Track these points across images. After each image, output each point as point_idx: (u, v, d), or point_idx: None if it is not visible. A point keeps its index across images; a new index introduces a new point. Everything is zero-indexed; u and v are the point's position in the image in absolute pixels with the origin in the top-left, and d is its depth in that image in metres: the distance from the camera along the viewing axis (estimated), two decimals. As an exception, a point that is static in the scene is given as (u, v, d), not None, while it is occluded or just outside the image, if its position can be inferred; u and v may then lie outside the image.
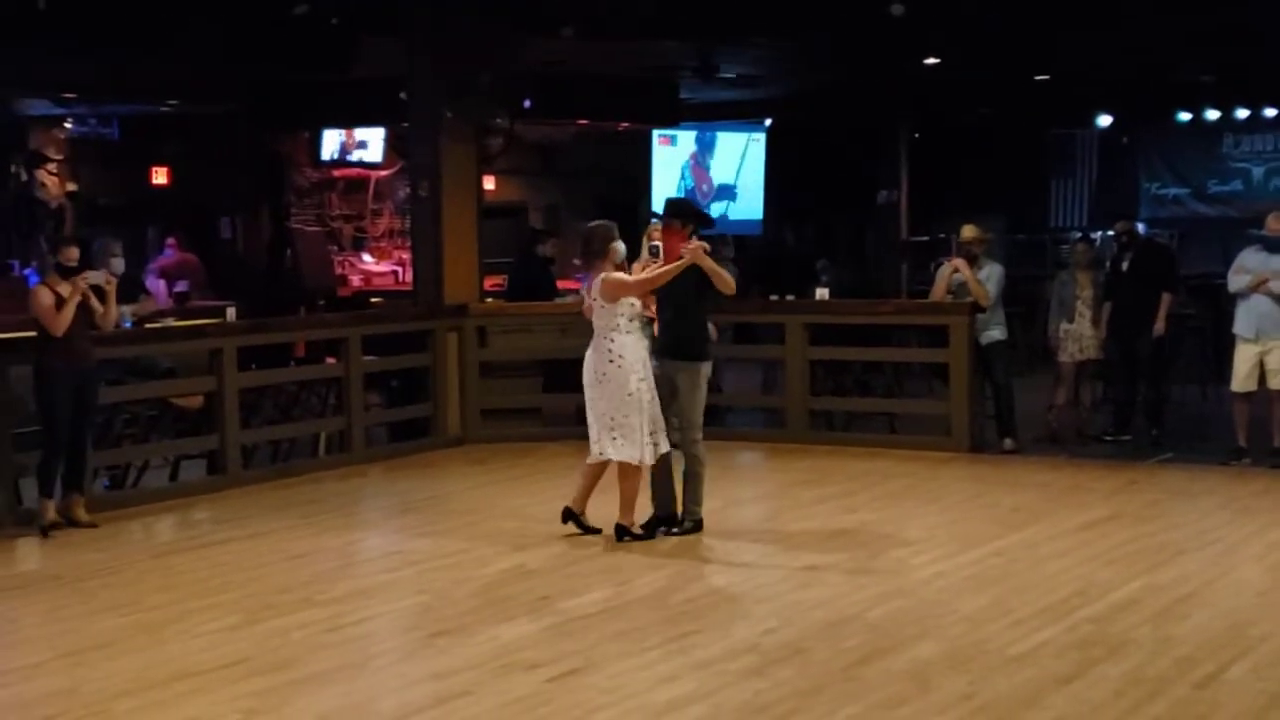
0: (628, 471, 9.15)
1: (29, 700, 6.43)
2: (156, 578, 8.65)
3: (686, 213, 9.74)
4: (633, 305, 9.21)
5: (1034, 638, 7.10)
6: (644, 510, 9.36)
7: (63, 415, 9.81)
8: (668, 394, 9.33)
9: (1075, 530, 9.51)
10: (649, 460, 9.15)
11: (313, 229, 19.62)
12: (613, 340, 9.13)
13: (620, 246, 9.37)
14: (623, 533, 9.22)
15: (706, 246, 9.27)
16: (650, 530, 9.34)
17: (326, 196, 20.20)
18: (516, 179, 20.87)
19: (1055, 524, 9.68)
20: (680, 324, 9.41)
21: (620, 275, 9.26)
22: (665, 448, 9.25)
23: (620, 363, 9.08)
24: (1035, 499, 10.53)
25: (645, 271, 9.33)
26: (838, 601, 7.82)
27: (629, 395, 9.05)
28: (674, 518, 9.49)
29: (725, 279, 9.31)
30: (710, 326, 13.85)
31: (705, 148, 22.90)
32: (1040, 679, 6.48)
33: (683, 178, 22.61)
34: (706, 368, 9.51)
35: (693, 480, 9.45)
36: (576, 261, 9.90)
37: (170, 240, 17.83)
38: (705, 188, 22.85)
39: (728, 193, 23.14)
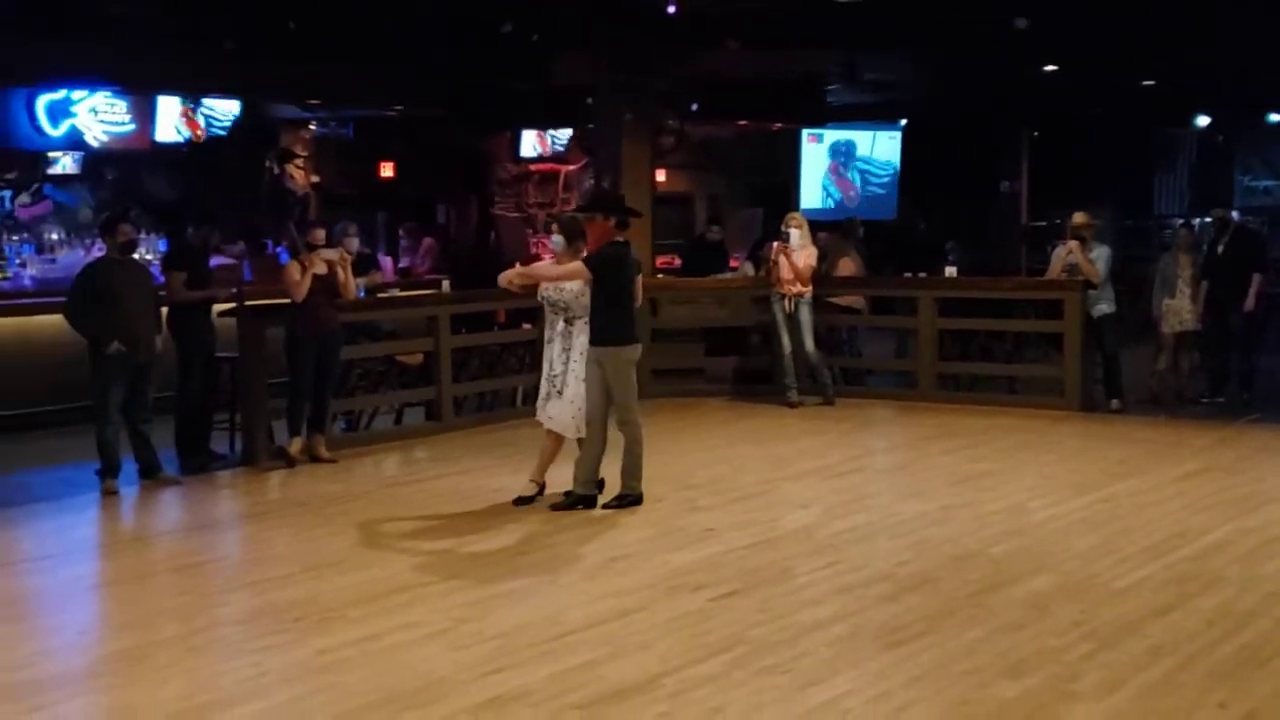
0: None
1: (279, 606, 6.61)
2: (383, 506, 8.81)
3: (606, 206, 8.89)
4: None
5: (1136, 573, 6.94)
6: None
7: (307, 369, 10.04)
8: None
9: (1173, 480, 9.26)
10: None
11: (512, 215, 19.80)
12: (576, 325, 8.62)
13: (554, 239, 8.71)
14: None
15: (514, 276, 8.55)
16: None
17: (524, 187, 20.35)
18: (684, 172, 20.81)
19: (1156, 475, 9.44)
20: (595, 315, 8.50)
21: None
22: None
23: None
24: (1138, 453, 10.26)
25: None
26: (964, 539, 7.70)
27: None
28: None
29: (539, 271, 8.68)
30: (860, 299, 13.82)
31: (845, 159, 22.57)
32: (1141, 609, 6.33)
33: (827, 193, 22.34)
34: (619, 351, 8.41)
35: (626, 456, 8.58)
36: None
37: (401, 231, 18.04)
38: (852, 194, 22.54)
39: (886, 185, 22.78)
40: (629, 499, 8.57)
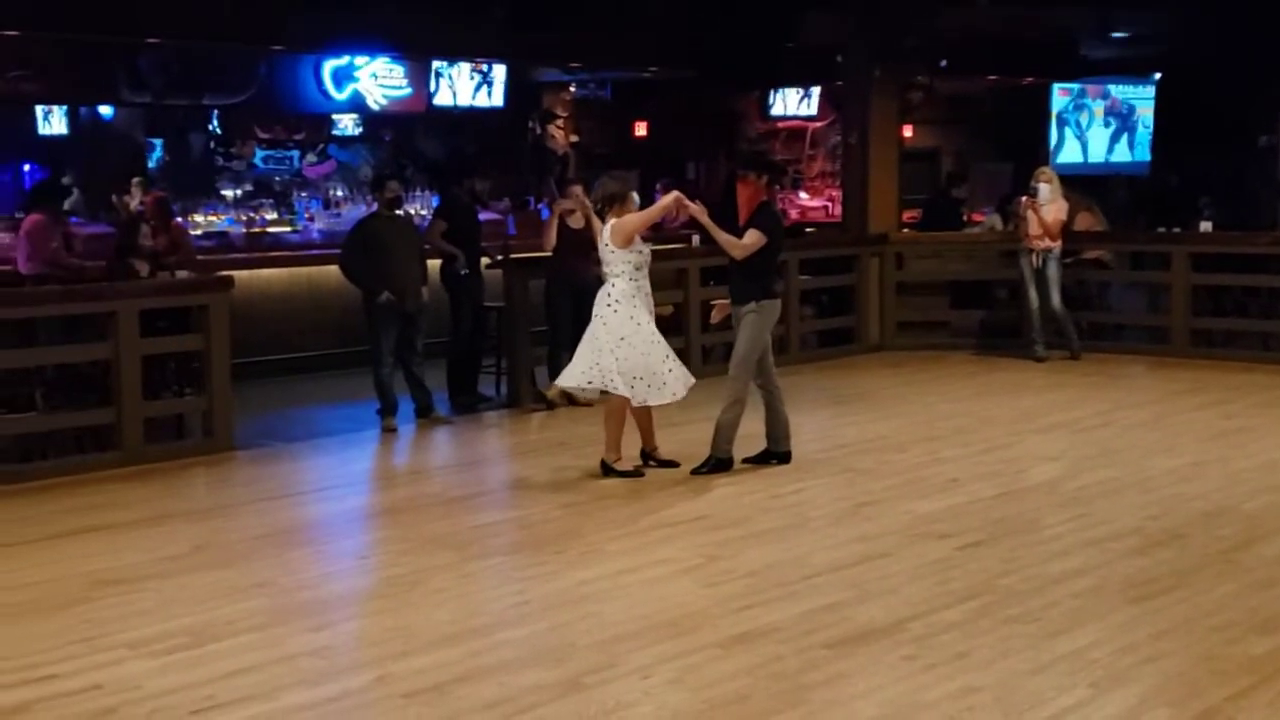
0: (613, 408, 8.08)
1: (542, 539, 6.78)
2: (636, 448, 8.73)
3: (758, 164, 8.49)
4: (640, 254, 8.04)
5: (1403, 536, 6.51)
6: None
7: (564, 318, 10.22)
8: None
9: None
10: (635, 400, 7.93)
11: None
12: (613, 285, 8.01)
13: (635, 198, 8.20)
14: (606, 469, 8.05)
15: (694, 208, 8.09)
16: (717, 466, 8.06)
17: (771, 144, 20.24)
18: (930, 127, 20.28)
19: None
20: (732, 270, 8.22)
21: (628, 218, 8.04)
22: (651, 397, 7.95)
23: (616, 307, 7.96)
24: (1405, 413, 9.61)
25: None
26: (1215, 494, 7.35)
27: (621, 339, 7.87)
28: (770, 453, 8.26)
29: (724, 240, 7.99)
30: (1105, 253, 13.28)
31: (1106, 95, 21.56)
32: None
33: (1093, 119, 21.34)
34: (775, 305, 8.17)
35: (725, 416, 8.09)
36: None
37: (659, 186, 18.14)
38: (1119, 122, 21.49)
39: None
40: (720, 463, 8.13)
